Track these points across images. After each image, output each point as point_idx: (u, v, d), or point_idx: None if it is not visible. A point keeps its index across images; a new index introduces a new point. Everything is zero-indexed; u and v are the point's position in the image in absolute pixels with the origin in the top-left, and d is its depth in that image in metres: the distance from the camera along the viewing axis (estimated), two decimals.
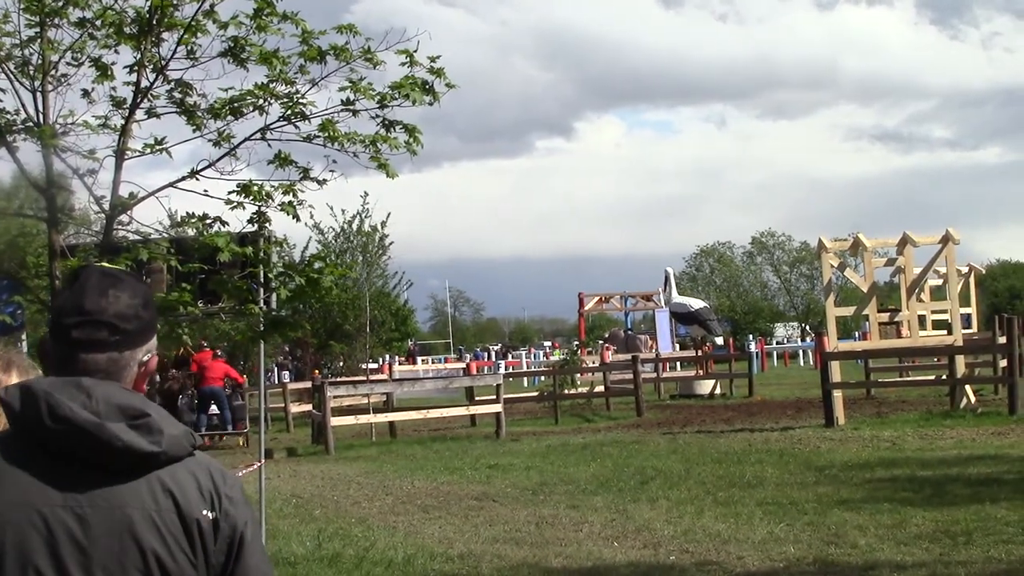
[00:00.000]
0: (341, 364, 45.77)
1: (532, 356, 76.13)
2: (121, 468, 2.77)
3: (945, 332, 29.77)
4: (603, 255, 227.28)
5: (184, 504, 2.82)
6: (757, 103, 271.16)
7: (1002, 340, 27.00)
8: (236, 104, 10.31)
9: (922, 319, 31.53)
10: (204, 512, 2.85)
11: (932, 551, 11.36)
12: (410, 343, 79.63)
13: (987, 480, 15.70)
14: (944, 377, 29.27)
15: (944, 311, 29.60)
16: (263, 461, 14.65)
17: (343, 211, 48.34)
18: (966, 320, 34.04)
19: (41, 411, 2.73)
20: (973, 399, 26.70)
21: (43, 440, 2.74)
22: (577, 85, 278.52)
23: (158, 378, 30.32)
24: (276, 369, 50.05)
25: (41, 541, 2.72)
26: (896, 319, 30.93)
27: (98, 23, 10.00)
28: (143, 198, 10.10)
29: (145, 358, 2.98)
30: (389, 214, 46.83)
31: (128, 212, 10.19)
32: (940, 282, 31.48)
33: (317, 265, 10.98)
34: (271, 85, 10.26)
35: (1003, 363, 26.61)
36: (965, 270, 34.25)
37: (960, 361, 26.95)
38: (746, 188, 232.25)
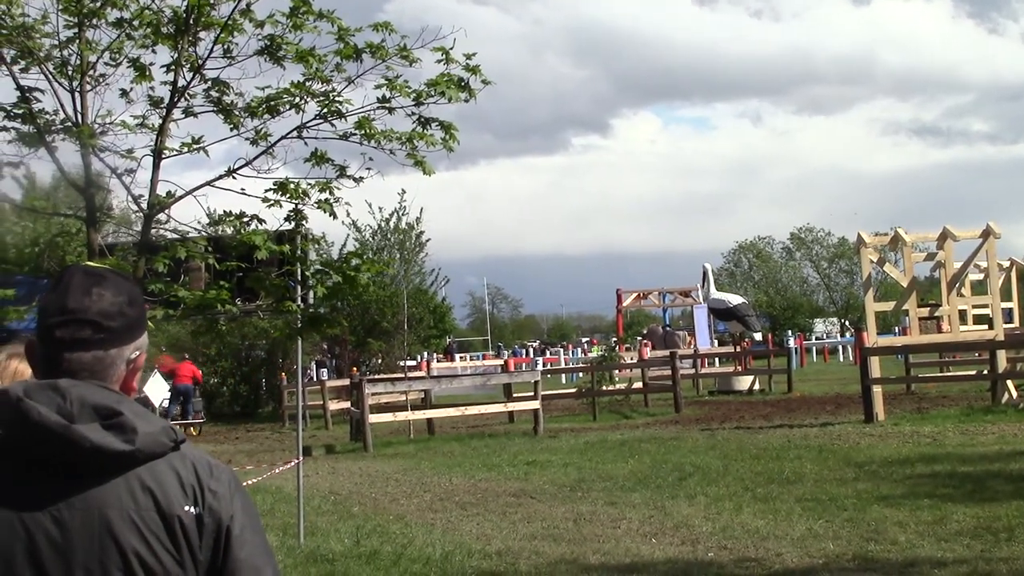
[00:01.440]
0: (379, 361, 45.87)
1: (570, 353, 76.06)
2: (96, 469, 2.73)
3: (986, 327, 29.62)
4: (641, 251, 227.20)
5: (164, 501, 2.78)
6: (793, 99, 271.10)
7: None
8: (272, 102, 10.35)
9: (963, 314, 31.36)
10: (186, 508, 2.81)
11: (973, 548, 11.30)
12: (448, 340, 79.73)
13: None
14: (985, 372, 29.07)
15: (985, 306, 29.42)
16: (301, 458, 14.72)
17: (380, 209, 48.53)
18: (1007, 315, 33.81)
19: (14, 416, 2.70)
20: (1015, 394, 26.49)
21: (18, 445, 2.71)
22: (611, 82, 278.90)
23: None
24: (315, 367, 50.20)
25: (22, 548, 2.70)
26: (936, 314, 30.75)
27: (135, 23, 10.05)
28: (180, 197, 10.15)
29: (133, 355, 2.94)
30: (422, 209, 46.90)
31: (166, 211, 10.25)
32: (981, 277, 31.26)
33: (354, 262, 11.00)
34: (307, 83, 10.29)
35: None
36: (1006, 264, 34.05)
37: (1001, 356, 26.78)
38: (783, 184, 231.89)
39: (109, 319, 2.87)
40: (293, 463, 14.79)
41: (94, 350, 2.85)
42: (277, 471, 16.96)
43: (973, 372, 32.37)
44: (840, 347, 71.84)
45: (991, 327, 27.84)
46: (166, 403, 34.46)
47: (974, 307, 32.03)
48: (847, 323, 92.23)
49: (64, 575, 2.71)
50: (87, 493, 2.74)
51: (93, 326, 2.85)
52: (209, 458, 2.97)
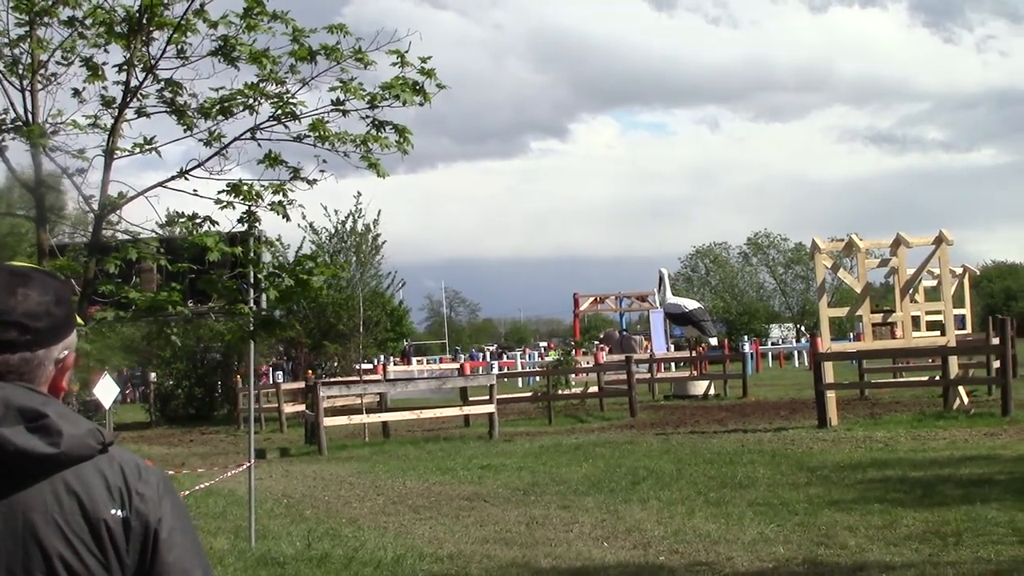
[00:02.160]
0: (335, 364, 45.75)
1: (527, 357, 76.12)
2: (20, 472, 2.69)
3: (939, 333, 29.81)
4: (598, 256, 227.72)
5: (90, 504, 2.74)
6: (751, 105, 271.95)
7: (995, 341, 27.05)
8: (226, 104, 10.30)
9: (916, 320, 31.61)
10: (113, 512, 2.76)
11: (922, 552, 11.38)
12: (405, 343, 79.63)
13: (979, 481, 15.72)
14: (938, 378, 29.30)
15: (938, 312, 29.61)
16: (253, 461, 14.66)
17: (336, 211, 48.33)
18: (960, 321, 34.12)
19: None
20: (966, 400, 26.72)
21: None
22: (571, 87, 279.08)
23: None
24: (271, 370, 50.04)
25: None
26: (890, 320, 30.98)
27: (88, 22, 9.99)
28: (132, 198, 10.09)
29: (61, 355, 2.89)
30: (380, 211, 46.61)
31: (117, 212, 10.17)
32: (934, 283, 31.53)
33: (307, 265, 10.96)
34: (261, 85, 10.25)
35: (996, 364, 26.67)
36: (959, 271, 34.33)
37: (954, 362, 27.00)
38: (740, 190, 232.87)
39: (35, 319, 2.81)
40: (245, 466, 14.73)
41: (21, 351, 2.80)
42: (230, 474, 16.87)
43: (926, 378, 32.60)
44: (795, 352, 72.32)
45: (943, 333, 28.01)
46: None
47: (927, 313, 32.27)
48: (802, 328, 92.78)
49: None
50: (11, 497, 2.70)
51: (19, 327, 2.79)
52: (138, 460, 2.93)
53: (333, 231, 48.46)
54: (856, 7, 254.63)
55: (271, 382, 44.49)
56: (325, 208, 47.60)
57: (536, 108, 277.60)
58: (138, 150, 10.21)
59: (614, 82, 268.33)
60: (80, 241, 11.59)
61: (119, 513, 2.79)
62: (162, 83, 10.29)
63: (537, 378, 45.19)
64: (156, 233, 10.41)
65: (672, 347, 58.12)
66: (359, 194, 47.71)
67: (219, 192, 10.36)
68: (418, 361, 72.92)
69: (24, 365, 2.81)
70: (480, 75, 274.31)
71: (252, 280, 11.11)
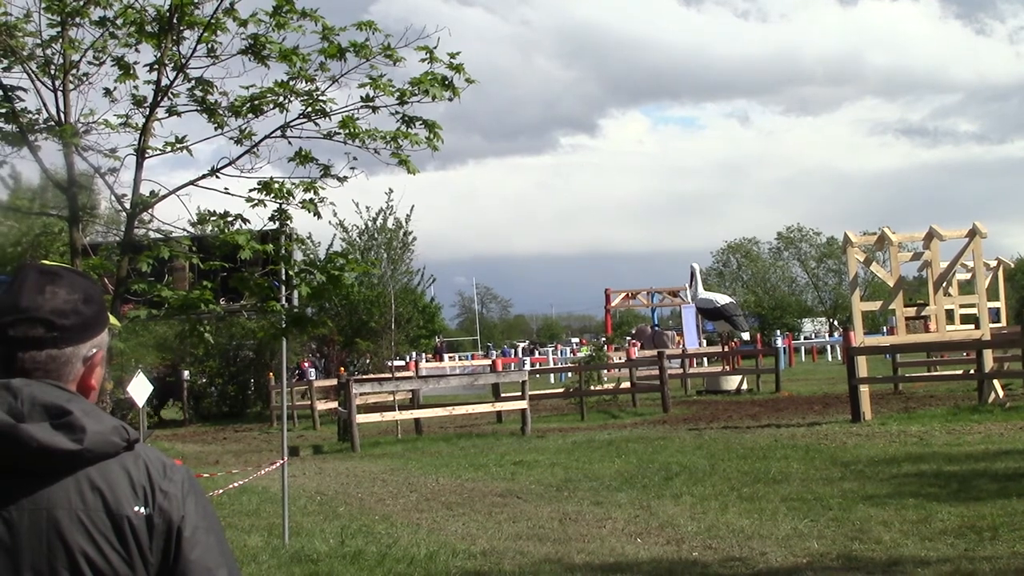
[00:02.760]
0: (367, 361, 45.87)
1: (559, 353, 76.08)
2: (45, 469, 2.72)
3: (973, 326, 29.66)
4: (629, 251, 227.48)
5: (113, 501, 2.76)
6: (780, 99, 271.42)
7: None
8: (256, 102, 10.32)
9: (950, 313, 31.44)
10: (136, 509, 2.79)
11: (957, 546, 11.31)
12: (437, 340, 79.69)
13: (1014, 475, 15.62)
14: (972, 372, 29.13)
15: (972, 305, 29.45)
16: (286, 459, 14.69)
17: (367, 208, 48.41)
18: (994, 314, 33.90)
19: None
20: (1001, 394, 26.54)
21: None
22: (600, 83, 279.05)
23: None
24: (311, 368, 50.23)
25: None
26: (923, 314, 30.80)
27: (119, 22, 10.03)
28: (163, 196, 10.12)
29: (90, 353, 2.92)
30: (413, 207, 46.69)
31: (149, 211, 10.21)
32: (968, 276, 31.32)
33: (338, 262, 10.98)
34: (291, 82, 10.27)
35: None
36: (993, 264, 34.14)
37: (988, 355, 26.81)
38: (771, 184, 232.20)
39: (62, 317, 2.85)
40: (279, 463, 14.77)
41: (48, 348, 2.84)
42: (263, 472, 16.90)
43: (960, 372, 32.44)
44: (828, 347, 71.95)
45: (978, 327, 27.88)
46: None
47: (961, 307, 32.07)
48: (835, 323, 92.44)
49: (13, 574, 2.69)
50: (36, 493, 2.73)
51: (46, 324, 2.83)
52: (164, 458, 2.95)
53: (364, 228, 48.60)
54: (886, 0, 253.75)
55: (304, 379, 44.66)
56: (356, 205, 47.76)
57: (565, 104, 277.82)
58: (169, 149, 10.25)
59: (643, 77, 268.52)
60: (113, 240, 11.64)
61: (142, 510, 2.81)
62: (192, 82, 10.32)
63: (569, 374, 45.17)
64: (188, 232, 10.45)
65: (704, 342, 57.98)
66: (390, 191, 47.88)
67: (250, 190, 10.39)
68: (450, 358, 72.94)
69: (51, 362, 2.85)
70: (508, 71, 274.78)
71: (283, 277, 11.14)
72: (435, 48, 10.25)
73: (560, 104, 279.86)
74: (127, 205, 10.07)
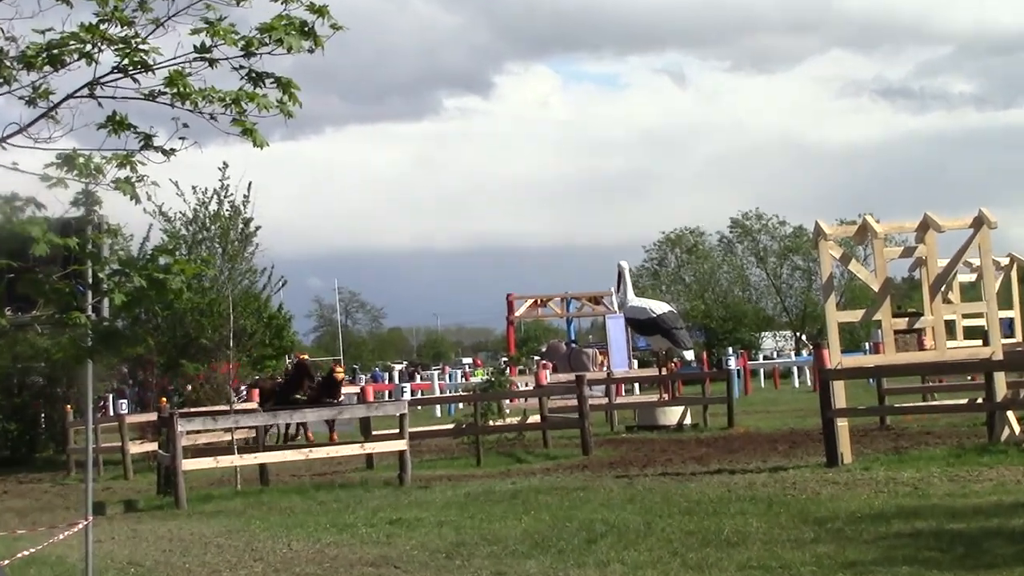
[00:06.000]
0: (197, 389, 45.54)
1: (448, 377, 76.16)
2: None
3: (980, 342, 30.00)
4: (536, 246, 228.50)
5: None
6: (727, 51, 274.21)
7: None
8: (56, 51, 10.22)
9: (950, 325, 31.80)
10: None
11: None
12: (288, 361, 79.36)
13: None
14: (980, 401, 29.50)
15: (979, 315, 29.79)
16: (90, 519, 14.57)
17: (194, 189, 47.96)
18: (1007, 326, 34.31)
19: None
20: (1017, 429, 26.85)
21: None
22: (493, 29, 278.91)
23: None
24: (112, 397, 49.68)
25: None
26: (917, 325, 31.23)
27: None
28: None
29: None
30: (251, 184, 46.19)
31: None
32: (972, 277, 31.77)
33: (163, 261, 10.90)
34: (102, 26, 10.18)
35: None
36: (1005, 261, 34.41)
37: (1000, 380, 27.03)
38: (717, 160, 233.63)
39: None
40: (81, 525, 14.64)
41: None
42: (60, 537, 16.77)
43: (964, 401, 32.82)
44: (794, 369, 72.71)
45: (986, 342, 28.18)
46: None
47: (965, 316, 32.49)
48: (803, 337, 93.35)
49: None
50: None
51: None
52: None
53: (191, 216, 48.14)
54: None
55: (112, 414, 44.24)
56: (178, 186, 47.17)
57: (449, 56, 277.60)
58: None
59: (549, 22, 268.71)
60: None
61: None
62: None
63: (461, 405, 45.23)
64: None
65: (635, 363, 58.36)
66: (225, 166, 47.41)
67: (46, 166, 10.26)
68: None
69: None
70: (375, 14, 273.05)
71: (91, 280, 11.03)
72: None
73: (442, 56, 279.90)
74: None
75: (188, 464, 26.60)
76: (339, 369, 47.47)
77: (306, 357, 48.78)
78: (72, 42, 10.16)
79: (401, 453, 27.94)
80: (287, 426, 42.77)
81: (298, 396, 41.71)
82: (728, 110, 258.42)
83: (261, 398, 41.15)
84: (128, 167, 10.41)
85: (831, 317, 27.43)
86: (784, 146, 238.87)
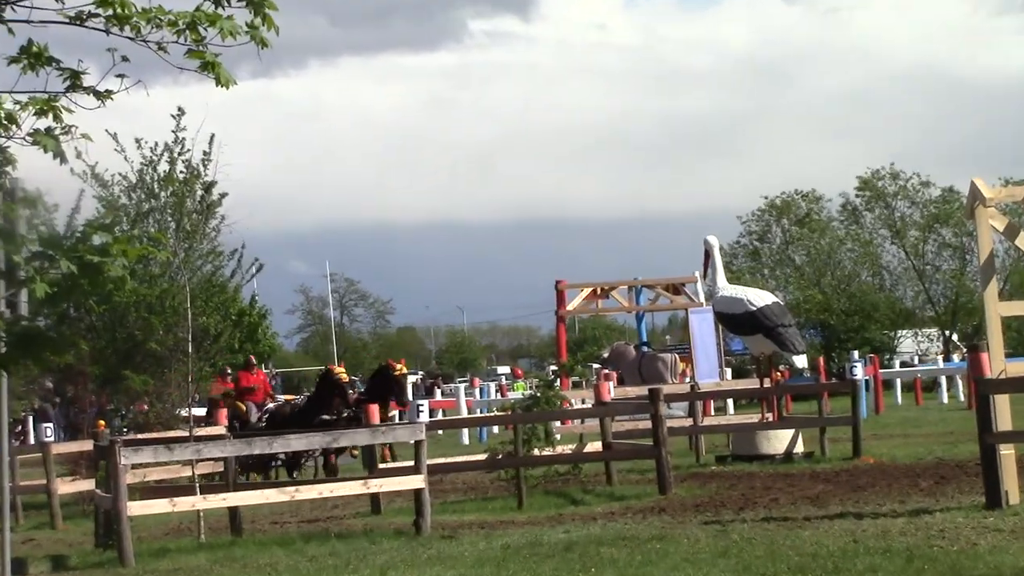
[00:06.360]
0: (145, 409, 45.71)
1: (477, 392, 76.22)
2: None
3: None
4: (593, 217, 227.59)
5: None
6: None
7: None
8: None
9: None
10: None
11: None
12: (267, 372, 79.66)
13: None
14: None
15: None
16: None
17: (139, 144, 47.92)
18: None
19: None
20: None
21: None
22: None
23: None
24: (33, 420, 49.94)
25: None
26: None
27: None
28: None
29: None
30: (213, 137, 46.24)
31: None
32: None
33: (98, 240, 10.94)
34: None
35: None
36: None
37: None
38: (834, 98, 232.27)
39: None
40: None
41: None
42: None
43: None
44: (943, 379, 72.47)
45: None
46: None
47: None
48: (954, 338, 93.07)
49: None
50: None
51: None
52: None
53: (135, 180, 48.12)
54: None
55: (33, 442, 44.41)
56: (115, 138, 47.13)
57: None
58: None
59: None
60: None
61: None
62: None
63: (496, 429, 45.28)
64: None
65: (728, 372, 58.36)
66: (181, 113, 47.41)
67: None
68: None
69: None
70: None
71: (3, 266, 11.11)
72: None
73: None
74: None
75: (135, 508, 26.59)
76: (339, 370, 47.82)
77: (340, 369, 48.87)
78: None
79: (417, 492, 27.93)
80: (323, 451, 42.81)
81: (326, 417, 41.72)
82: (852, 32, 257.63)
83: (274, 425, 41.41)
84: (50, 115, 10.45)
85: (992, 309, 27.35)
86: (928, 80, 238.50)
